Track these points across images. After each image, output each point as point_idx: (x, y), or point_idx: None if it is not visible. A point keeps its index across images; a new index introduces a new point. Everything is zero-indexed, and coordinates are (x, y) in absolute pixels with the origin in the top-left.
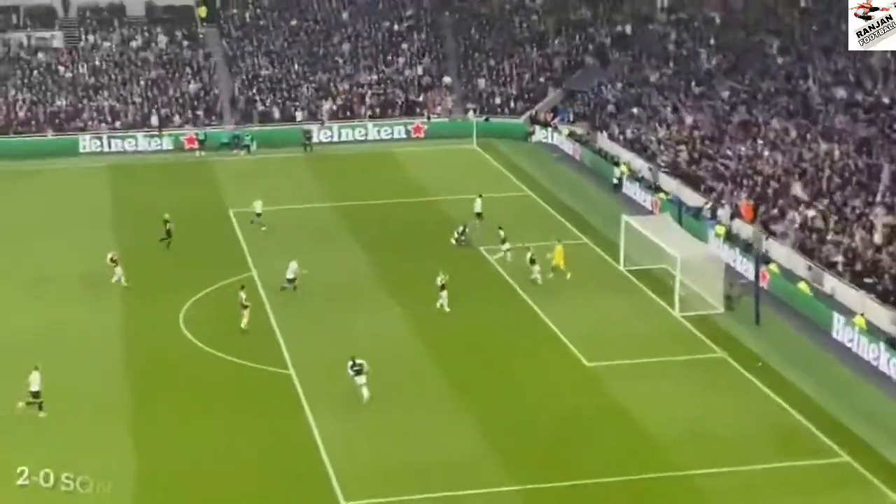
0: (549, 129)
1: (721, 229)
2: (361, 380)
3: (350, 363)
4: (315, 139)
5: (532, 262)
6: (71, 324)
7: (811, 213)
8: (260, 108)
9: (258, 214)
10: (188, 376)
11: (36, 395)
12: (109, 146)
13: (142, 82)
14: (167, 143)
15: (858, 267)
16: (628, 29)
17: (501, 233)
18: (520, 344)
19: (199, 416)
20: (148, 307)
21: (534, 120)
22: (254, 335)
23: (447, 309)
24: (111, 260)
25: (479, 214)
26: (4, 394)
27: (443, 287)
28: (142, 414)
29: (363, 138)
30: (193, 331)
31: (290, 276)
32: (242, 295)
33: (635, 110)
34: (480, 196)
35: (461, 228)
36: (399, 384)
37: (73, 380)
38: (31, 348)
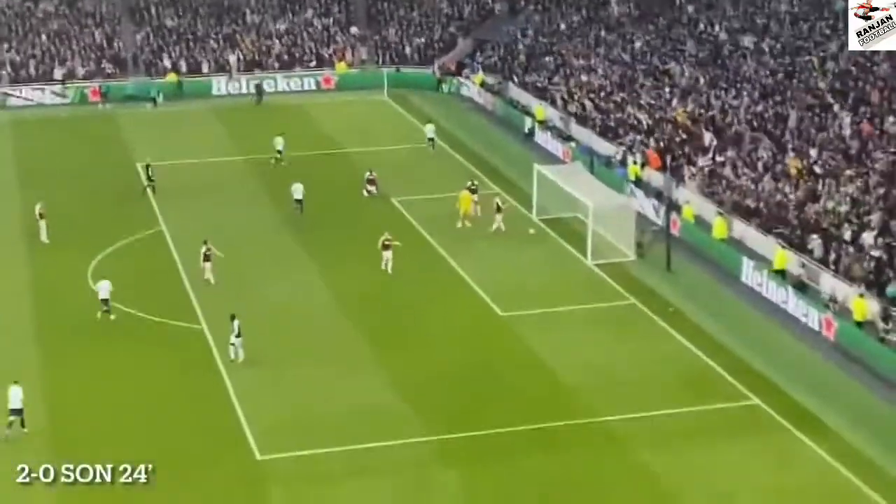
0: (458, 79)
1: (632, 174)
2: (237, 341)
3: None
4: (223, 91)
5: (498, 209)
6: None
7: (720, 159)
8: (165, 59)
9: (279, 152)
10: (97, 332)
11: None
12: (11, 100)
13: (43, 35)
14: (71, 97)
15: (766, 212)
16: None
17: (475, 183)
18: (433, 295)
19: (109, 372)
20: (56, 263)
21: (442, 70)
22: (165, 290)
23: (390, 271)
24: (39, 214)
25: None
26: None
27: (386, 247)
28: (50, 371)
29: (272, 90)
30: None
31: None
32: (207, 246)
33: (546, 59)
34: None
35: (368, 174)
36: (312, 339)
37: None
38: None
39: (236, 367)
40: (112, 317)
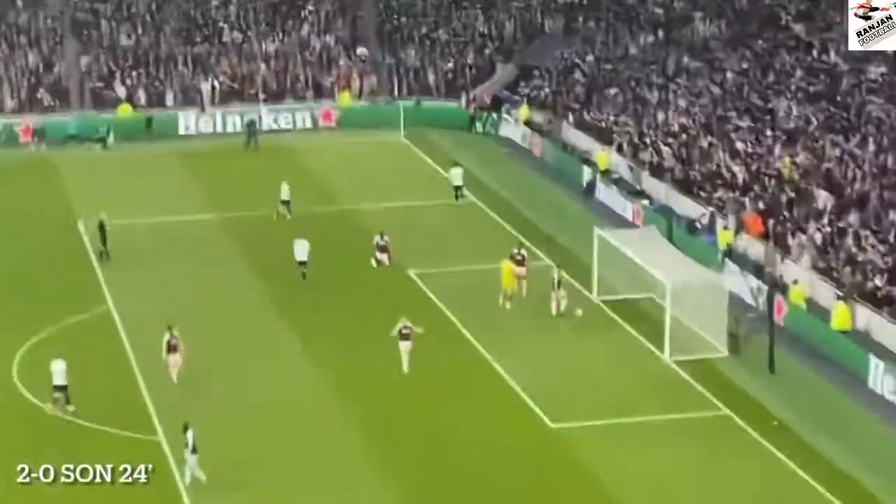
0: (496, 115)
1: (724, 243)
2: (192, 458)
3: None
4: (193, 130)
5: (557, 285)
6: None
7: (839, 225)
8: (118, 88)
9: (285, 202)
10: (24, 444)
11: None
12: None
13: None
14: None
15: None
16: None
17: (521, 251)
18: (463, 400)
19: (42, 497)
20: None
21: (475, 104)
22: (112, 389)
23: (407, 368)
24: None
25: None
26: None
27: (404, 336)
28: None
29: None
30: (31, 384)
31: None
32: (173, 333)
33: (611, 92)
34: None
35: (379, 239)
36: (303, 454)
37: None
38: None
39: (200, 492)
40: (70, 408)
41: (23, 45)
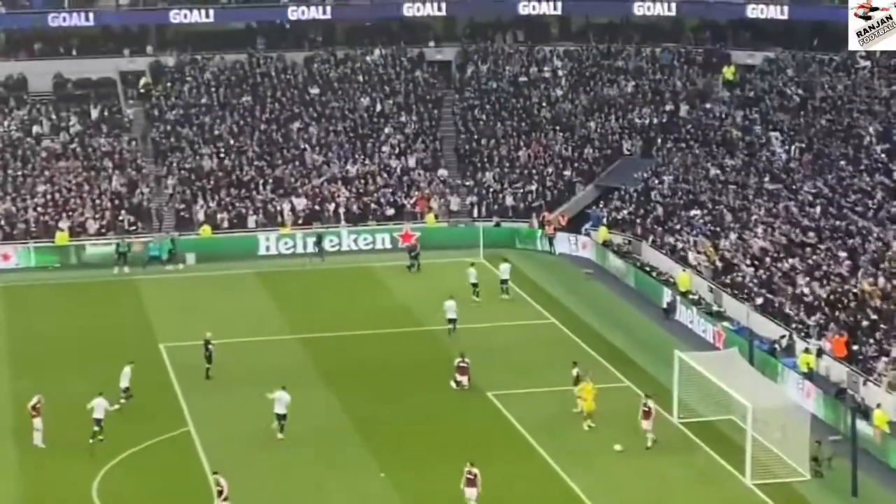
0: (572, 237)
1: (804, 365)
2: None
3: None
4: (273, 251)
5: (646, 414)
6: None
7: None
8: (202, 209)
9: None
10: None
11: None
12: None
13: (46, 177)
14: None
15: None
16: (681, 109)
17: (575, 371)
18: None
19: None
20: (53, 473)
21: (545, 224)
22: None
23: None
24: (33, 408)
25: (475, 285)
26: None
27: (470, 482)
28: None
29: (336, 248)
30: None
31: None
32: (220, 482)
33: (691, 213)
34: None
35: (459, 360)
36: None
37: None
38: None
39: None
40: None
41: (106, 168)
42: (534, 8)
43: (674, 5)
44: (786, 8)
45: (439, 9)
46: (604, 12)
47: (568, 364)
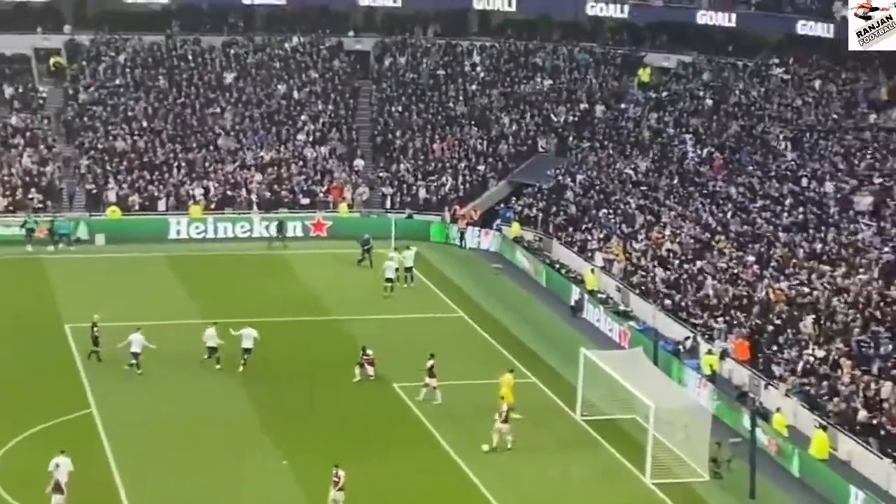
0: (483, 231)
1: (707, 367)
2: None
3: None
4: (184, 234)
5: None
6: None
7: (820, 353)
8: (114, 191)
9: (135, 355)
10: None
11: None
12: None
13: None
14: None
15: (883, 425)
16: (597, 109)
17: (430, 362)
18: None
19: None
20: None
21: (457, 218)
22: (91, 490)
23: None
24: None
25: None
26: None
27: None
28: None
29: (247, 235)
30: (9, 488)
31: None
32: (338, 474)
33: (602, 212)
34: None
35: (362, 354)
36: None
37: None
38: None
39: None
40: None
41: (17, 146)
42: (488, 3)
43: (626, 7)
44: (721, 14)
45: None
46: (555, 11)
47: (475, 358)
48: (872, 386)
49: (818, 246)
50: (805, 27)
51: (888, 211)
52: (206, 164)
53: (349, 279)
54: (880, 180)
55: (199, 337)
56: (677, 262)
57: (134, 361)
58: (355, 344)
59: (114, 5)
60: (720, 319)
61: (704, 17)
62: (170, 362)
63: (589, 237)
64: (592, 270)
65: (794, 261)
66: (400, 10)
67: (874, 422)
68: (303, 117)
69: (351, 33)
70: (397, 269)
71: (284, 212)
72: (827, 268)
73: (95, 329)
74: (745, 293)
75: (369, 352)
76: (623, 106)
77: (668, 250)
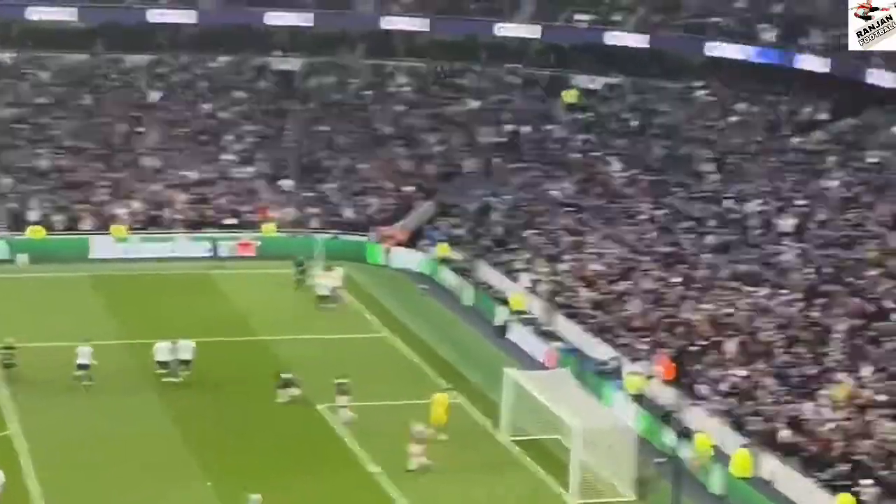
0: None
1: (632, 388)
2: None
3: None
4: (108, 255)
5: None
6: None
7: (743, 373)
8: (36, 210)
9: (82, 367)
10: None
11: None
12: None
13: None
14: None
15: (805, 445)
16: (523, 130)
17: (345, 381)
18: None
19: None
20: None
21: (383, 239)
22: None
23: None
24: None
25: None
26: None
27: None
28: None
29: (171, 255)
30: None
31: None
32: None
33: (528, 233)
34: None
35: (284, 379)
36: None
37: None
38: None
39: None
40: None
41: None
42: (391, 23)
43: (538, 28)
44: (644, 36)
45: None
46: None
47: (399, 378)
48: (794, 406)
49: (741, 267)
50: (727, 50)
51: (810, 232)
52: (131, 183)
53: (277, 300)
54: (803, 202)
55: (122, 357)
56: (602, 281)
57: (79, 373)
58: (280, 364)
59: (37, 24)
60: (645, 340)
61: (613, 39)
62: (94, 382)
63: (515, 258)
64: (519, 291)
65: (718, 282)
66: (324, 30)
67: (797, 441)
68: (228, 137)
69: (277, 52)
70: (333, 288)
71: (214, 231)
72: (750, 288)
73: (11, 351)
74: (669, 314)
75: (289, 375)
76: (549, 127)
77: (594, 270)
